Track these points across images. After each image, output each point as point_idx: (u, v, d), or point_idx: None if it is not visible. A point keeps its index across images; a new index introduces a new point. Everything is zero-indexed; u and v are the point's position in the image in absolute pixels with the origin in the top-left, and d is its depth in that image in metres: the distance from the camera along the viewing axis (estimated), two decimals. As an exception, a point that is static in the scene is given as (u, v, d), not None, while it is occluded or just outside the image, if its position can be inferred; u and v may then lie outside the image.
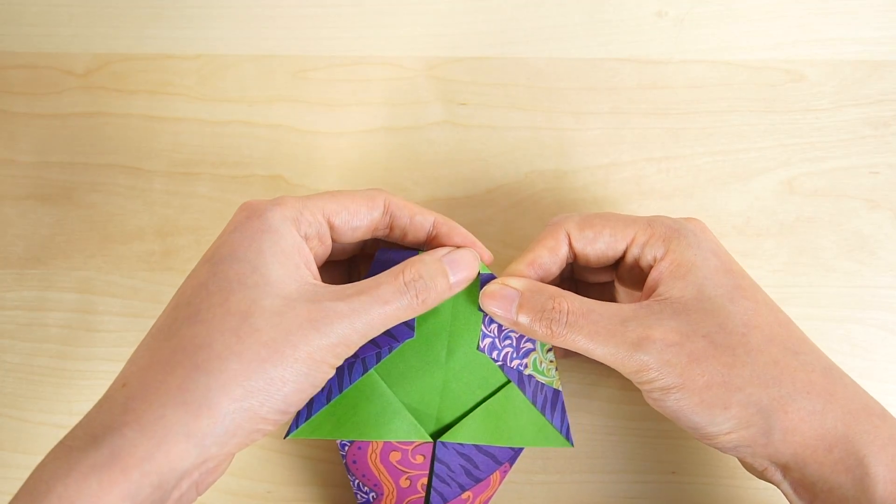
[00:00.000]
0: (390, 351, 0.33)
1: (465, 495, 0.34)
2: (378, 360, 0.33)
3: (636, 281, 0.34)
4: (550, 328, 0.31)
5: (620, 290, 0.36)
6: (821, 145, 0.42)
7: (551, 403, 0.35)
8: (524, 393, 0.34)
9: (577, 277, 0.38)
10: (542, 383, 0.35)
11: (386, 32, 0.43)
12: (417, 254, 0.34)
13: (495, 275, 0.34)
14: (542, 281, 0.34)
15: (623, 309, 0.31)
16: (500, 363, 0.34)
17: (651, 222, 0.32)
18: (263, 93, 0.43)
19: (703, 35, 0.43)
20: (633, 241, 0.32)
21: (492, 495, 0.35)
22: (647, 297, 0.31)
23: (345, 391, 0.33)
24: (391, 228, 0.33)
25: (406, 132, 0.42)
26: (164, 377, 0.26)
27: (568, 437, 0.35)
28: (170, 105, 0.43)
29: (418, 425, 0.33)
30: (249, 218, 0.30)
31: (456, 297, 0.33)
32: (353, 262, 0.37)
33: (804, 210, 0.41)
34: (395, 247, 0.36)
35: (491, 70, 0.43)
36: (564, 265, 0.34)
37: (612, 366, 0.30)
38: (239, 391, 0.26)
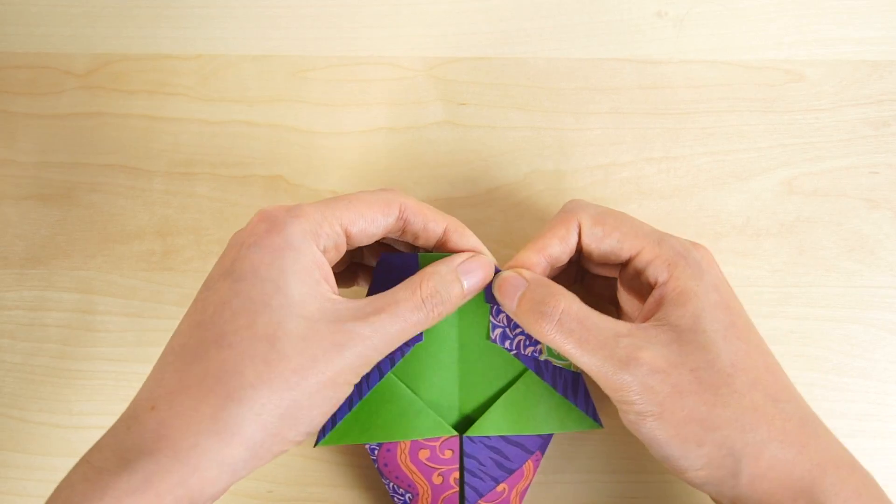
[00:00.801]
0: (403, 355, 0.33)
1: (500, 488, 0.34)
2: (392, 364, 0.33)
3: (635, 288, 0.34)
4: (540, 323, 0.31)
5: (622, 292, 0.36)
6: (821, 145, 0.42)
7: (572, 387, 0.35)
8: (543, 379, 0.34)
9: (584, 266, 0.38)
10: (561, 367, 0.35)
11: (386, 32, 0.43)
12: (418, 257, 0.34)
13: (499, 267, 0.34)
14: (551, 267, 0.34)
15: (619, 325, 0.30)
16: (514, 352, 0.34)
17: (660, 241, 0.32)
18: (263, 93, 0.43)
19: (703, 35, 0.43)
20: (638, 254, 0.32)
21: (528, 485, 0.35)
22: (646, 318, 0.31)
23: (365, 397, 0.33)
24: (403, 231, 0.33)
25: (406, 132, 0.42)
26: (196, 404, 0.27)
27: (595, 418, 0.35)
28: (170, 105, 0.43)
29: (441, 420, 0.34)
30: (269, 232, 0.29)
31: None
32: (354, 250, 0.37)
33: (804, 210, 0.41)
34: (396, 249, 0.36)
35: (491, 70, 0.43)
36: (573, 253, 0.34)
37: (595, 379, 0.30)
38: (270, 419, 0.27)
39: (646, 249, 0.32)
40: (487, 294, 0.34)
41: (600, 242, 0.33)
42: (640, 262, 0.32)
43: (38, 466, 0.39)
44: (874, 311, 0.40)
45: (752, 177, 0.42)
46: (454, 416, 0.35)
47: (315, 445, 0.33)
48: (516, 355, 0.34)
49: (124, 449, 0.26)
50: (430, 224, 0.33)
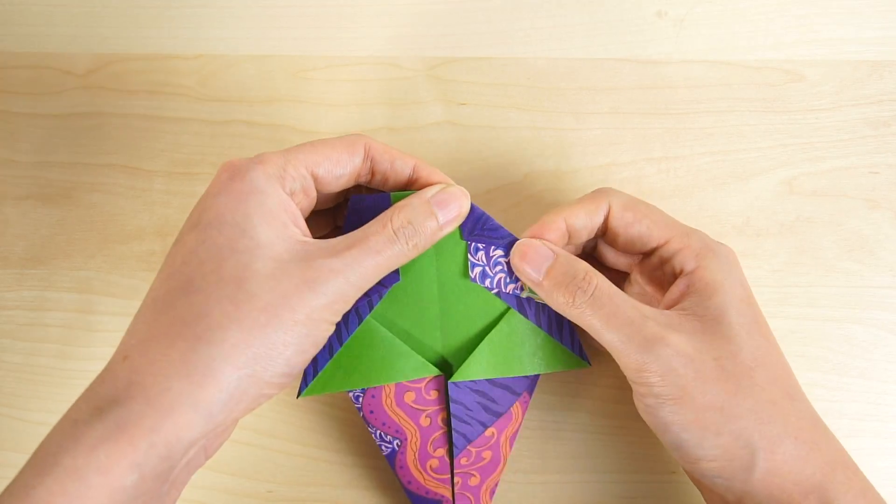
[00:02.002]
0: (381, 297, 0.33)
1: (488, 432, 0.34)
2: (371, 307, 0.33)
3: (655, 280, 0.34)
4: (574, 297, 0.31)
5: (635, 284, 0.36)
6: (821, 145, 0.42)
7: (556, 324, 0.34)
8: (527, 317, 0.34)
9: (597, 257, 0.37)
10: (543, 303, 0.34)
11: (386, 32, 0.43)
12: (390, 196, 0.33)
13: (515, 236, 0.34)
14: (569, 238, 0.34)
15: (645, 308, 0.31)
16: (494, 290, 0.34)
17: (689, 234, 0.32)
18: (263, 93, 0.43)
19: (703, 35, 0.43)
20: (667, 243, 0.32)
21: (517, 429, 0.35)
22: (669, 306, 0.32)
23: (346, 342, 0.33)
24: (372, 174, 0.33)
25: (406, 132, 0.42)
26: (165, 349, 0.26)
27: (582, 355, 0.35)
28: (170, 105, 0.43)
29: (425, 361, 0.34)
30: (232, 179, 0.29)
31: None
32: (338, 210, 0.37)
33: (804, 210, 0.41)
34: (369, 192, 0.35)
35: (491, 70, 0.43)
36: (592, 236, 0.34)
37: (617, 356, 0.30)
38: (241, 359, 0.27)
39: (675, 239, 0.32)
40: (464, 232, 0.33)
41: (629, 228, 0.33)
42: (666, 251, 0.33)
43: (38, 466, 0.39)
44: (874, 311, 0.40)
45: (752, 177, 0.42)
46: (437, 357, 0.34)
47: (298, 396, 0.33)
48: (497, 293, 0.34)
49: (98, 398, 0.26)
50: (398, 163, 0.32)
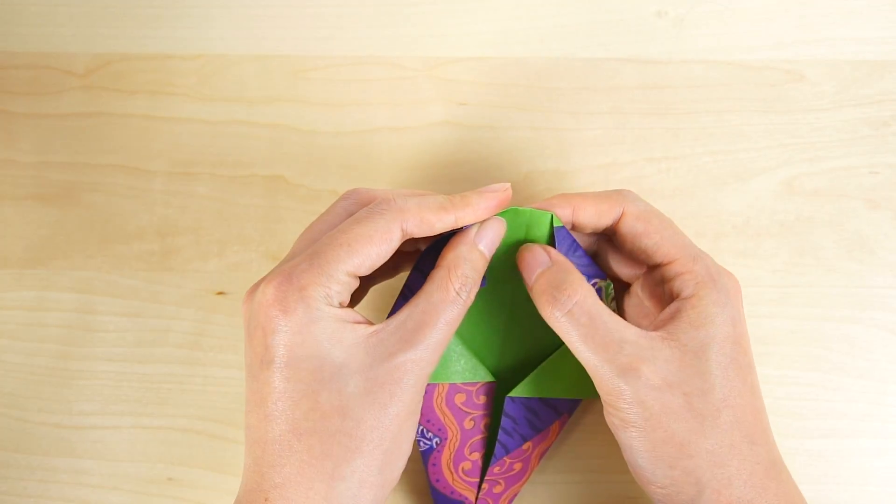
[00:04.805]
0: None
1: (525, 445, 0.35)
2: None
3: (655, 296, 0.34)
4: (551, 307, 0.31)
5: (635, 296, 0.36)
6: (821, 145, 0.42)
7: None
8: None
9: (602, 265, 0.37)
10: None
11: (386, 32, 0.43)
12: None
13: (566, 228, 0.34)
14: (570, 228, 0.34)
15: (627, 330, 0.30)
16: None
17: (696, 258, 0.32)
18: (263, 93, 0.43)
19: (703, 35, 0.43)
20: (671, 263, 0.32)
21: (549, 446, 0.36)
22: (658, 327, 0.31)
23: None
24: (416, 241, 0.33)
25: (406, 132, 0.42)
26: (306, 491, 0.28)
27: None
28: (170, 105, 0.42)
29: (481, 366, 0.35)
30: (286, 313, 0.29)
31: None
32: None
33: (804, 210, 0.41)
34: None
35: (491, 70, 0.43)
36: (595, 234, 0.34)
37: (591, 376, 0.31)
38: (373, 478, 0.29)
39: (679, 261, 0.32)
40: None
41: (637, 239, 0.33)
42: (669, 272, 0.32)
43: (38, 466, 0.39)
44: (874, 311, 0.40)
45: (752, 177, 0.42)
46: (491, 365, 0.36)
47: None
48: None
49: None
50: (438, 225, 0.31)
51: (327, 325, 0.29)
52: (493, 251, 0.32)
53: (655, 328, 0.31)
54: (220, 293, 0.41)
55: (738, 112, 0.42)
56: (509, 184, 0.33)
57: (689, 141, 0.42)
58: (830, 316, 0.40)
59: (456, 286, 0.30)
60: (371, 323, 0.30)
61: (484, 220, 0.33)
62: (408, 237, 0.31)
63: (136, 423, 0.40)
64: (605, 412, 0.31)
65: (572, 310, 0.30)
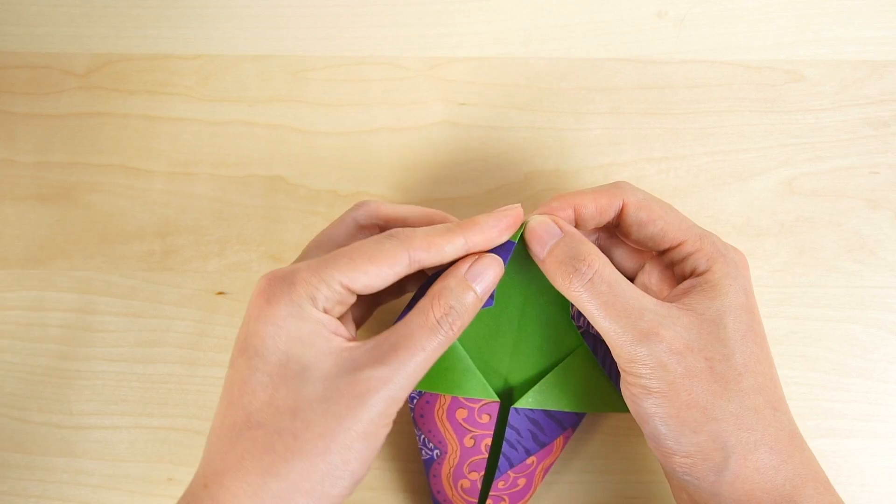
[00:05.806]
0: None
1: (529, 460, 0.35)
2: None
3: (666, 277, 0.34)
4: (570, 278, 0.30)
5: (645, 276, 0.35)
6: (821, 145, 0.42)
7: (617, 370, 0.35)
8: (597, 357, 0.35)
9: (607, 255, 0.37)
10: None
11: (386, 32, 0.43)
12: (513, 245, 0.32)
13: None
14: (575, 226, 0.33)
15: (645, 298, 0.31)
16: (582, 329, 0.35)
17: (702, 237, 0.32)
18: (263, 93, 0.43)
19: (703, 35, 0.43)
20: (679, 245, 0.32)
21: (553, 461, 0.36)
22: (672, 300, 0.32)
23: None
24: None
25: (406, 132, 0.42)
26: (240, 483, 0.28)
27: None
28: (170, 105, 0.42)
29: (487, 384, 0.34)
30: (269, 303, 0.29)
31: (533, 263, 0.32)
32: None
33: (804, 210, 0.41)
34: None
35: (491, 70, 0.43)
36: (601, 227, 0.34)
37: (610, 345, 0.30)
38: (307, 485, 0.28)
39: (688, 242, 0.32)
40: None
41: (642, 228, 0.33)
42: (679, 254, 0.33)
43: (38, 466, 0.39)
44: (874, 311, 0.40)
45: (752, 177, 0.42)
46: (499, 383, 0.35)
47: None
48: (583, 333, 0.35)
49: None
50: (448, 248, 0.31)
51: (304, 326, 0.29)
52: (489, 291, 0.31)
53: (671, 301, 0.32)
54: (220, 293, 0.41)
55: (738, 112, 0.42)
56: (519, 204, 0.32)
57: (689, 141, 0.42)
58: (830, 316, 0.40)
59: (437, 314, 0.30)
60: (353, 339, 0.30)
61: (480, 257, 0.31)
62: (417, 265, 0.30)
63: (136, 423, 0.40)
64: (622, 387, 0.31)
65: (592, 279, 0.30)
